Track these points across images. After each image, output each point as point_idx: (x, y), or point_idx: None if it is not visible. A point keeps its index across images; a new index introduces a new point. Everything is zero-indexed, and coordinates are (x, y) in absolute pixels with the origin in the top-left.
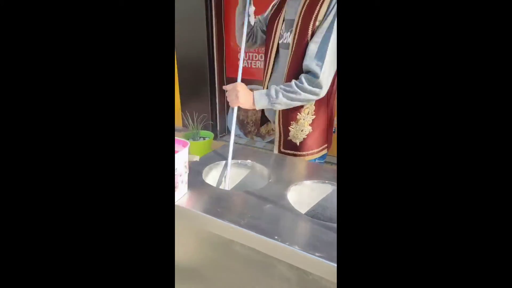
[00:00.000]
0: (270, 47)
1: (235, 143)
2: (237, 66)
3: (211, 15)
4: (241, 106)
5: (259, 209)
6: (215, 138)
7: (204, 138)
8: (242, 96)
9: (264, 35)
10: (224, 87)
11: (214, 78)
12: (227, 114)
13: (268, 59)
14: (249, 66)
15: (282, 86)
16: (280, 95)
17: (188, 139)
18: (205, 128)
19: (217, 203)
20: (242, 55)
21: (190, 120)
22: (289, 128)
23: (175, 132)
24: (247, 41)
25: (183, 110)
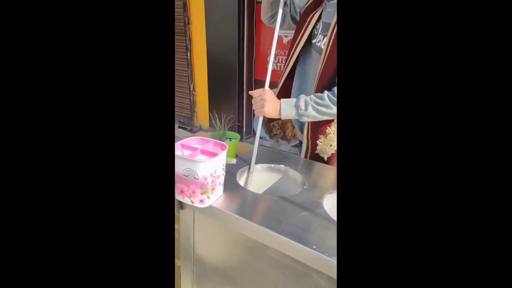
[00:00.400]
0: (298, 40)
1: (260, 145)
2: (266, 69)
3: (243, 17)
4: (266, 116)
5: (295, 216)
6: (241, 139)
7: (230, 139)
8: (268, 106)
9: (292, 22)
10: (250, 93)
11: (243, 80)
12: (253, 116)
13: (292, 52)
14: (278, 68)
15: (313, 98)
16: (310, 108)
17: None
18: (231, 129)
19: (252, 207)
20: (272, 58)
21: (218, 121)
22: (317, 142)
23: (202, 132)
24: (271, 17)
25: (211, 110)
